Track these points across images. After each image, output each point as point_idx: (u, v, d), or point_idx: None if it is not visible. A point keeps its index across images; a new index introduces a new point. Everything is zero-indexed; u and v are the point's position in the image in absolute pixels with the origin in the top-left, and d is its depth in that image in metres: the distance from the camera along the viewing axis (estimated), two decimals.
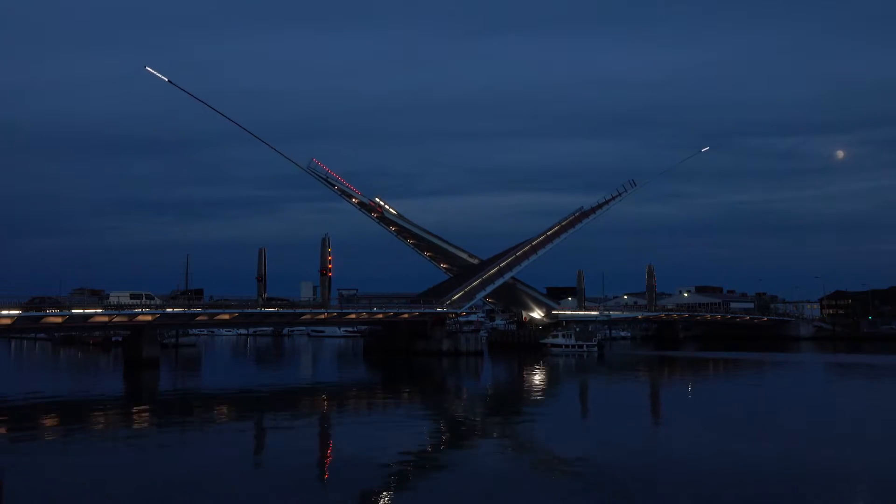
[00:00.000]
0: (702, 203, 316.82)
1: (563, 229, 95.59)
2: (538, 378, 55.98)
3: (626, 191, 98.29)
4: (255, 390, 46.67)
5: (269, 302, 71.02)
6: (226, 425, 31.73)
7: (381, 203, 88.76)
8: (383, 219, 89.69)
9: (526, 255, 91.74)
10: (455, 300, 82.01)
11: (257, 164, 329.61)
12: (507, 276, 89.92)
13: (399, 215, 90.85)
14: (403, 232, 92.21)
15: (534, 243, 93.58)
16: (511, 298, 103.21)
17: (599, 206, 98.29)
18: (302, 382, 54.10)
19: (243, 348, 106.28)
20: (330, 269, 73.13)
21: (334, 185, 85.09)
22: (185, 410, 35.78)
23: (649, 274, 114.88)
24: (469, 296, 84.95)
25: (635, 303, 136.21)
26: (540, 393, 45.51)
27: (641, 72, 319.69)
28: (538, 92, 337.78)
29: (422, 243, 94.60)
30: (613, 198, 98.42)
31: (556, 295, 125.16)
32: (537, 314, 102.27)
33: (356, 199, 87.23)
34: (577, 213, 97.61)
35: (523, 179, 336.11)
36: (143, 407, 37.58)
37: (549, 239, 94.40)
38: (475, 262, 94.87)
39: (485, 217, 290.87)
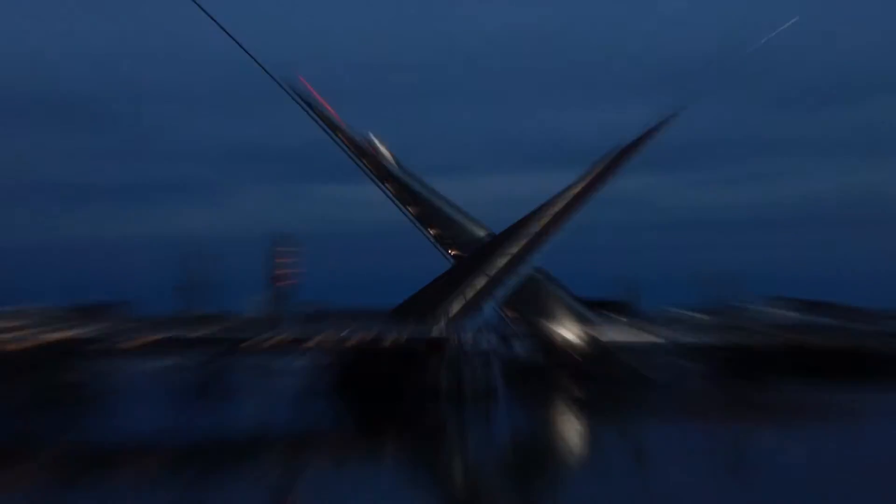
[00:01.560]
0: (793, 184, 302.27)
1: (599, 178, 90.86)
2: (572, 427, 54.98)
3: (669, 119, 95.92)
4: (182, 441, 47.33)
5: (195, 322, 69.59)
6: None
7: (376, 143, 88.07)
8: (377, 167, 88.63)
9: (546, 232, 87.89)
10: (455, 315, 79.99)
11: (191, 133, 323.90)
12: (525, 271, 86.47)
13: (397, 161, 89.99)
14: (402, 193, 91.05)
15: (555, 210, 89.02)
16: (534, 304, 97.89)
17: (641, 138, 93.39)
18: (244, 431, 54.46)
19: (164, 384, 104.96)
20: (287, 275, 71.18)
21: (314, 108, 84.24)
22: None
23: (727, 284, 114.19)
24: (472, 306, 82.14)
25: (704, 321, 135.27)
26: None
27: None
28: None
29: (425, 211, 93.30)
30: (657, 127, 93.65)
31: None
32: (569, 334, 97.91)
33: (344, 135, 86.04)
34: (617, 152, 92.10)
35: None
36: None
37: (577, 199, 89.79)
38: None
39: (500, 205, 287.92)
